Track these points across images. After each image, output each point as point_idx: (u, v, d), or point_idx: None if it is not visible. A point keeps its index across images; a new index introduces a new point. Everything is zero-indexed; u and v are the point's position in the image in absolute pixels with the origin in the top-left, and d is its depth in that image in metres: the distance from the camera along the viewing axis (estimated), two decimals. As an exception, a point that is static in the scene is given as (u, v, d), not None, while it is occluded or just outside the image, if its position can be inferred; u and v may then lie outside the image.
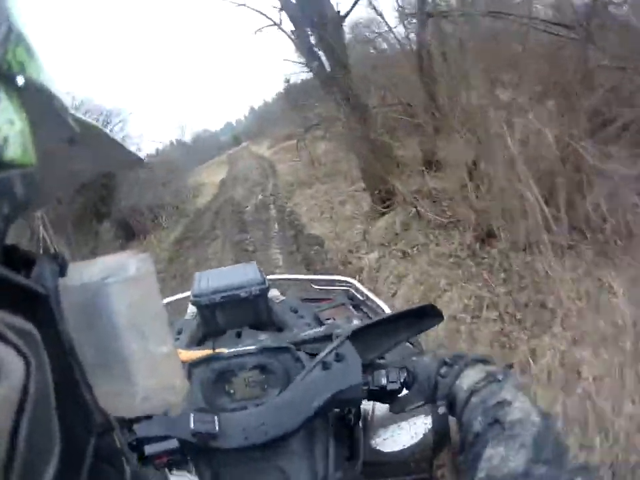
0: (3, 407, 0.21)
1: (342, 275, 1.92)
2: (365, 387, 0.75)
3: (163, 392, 0.31)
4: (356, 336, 0.80)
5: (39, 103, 0.26)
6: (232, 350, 0.95)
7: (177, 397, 0.33)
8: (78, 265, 0.30)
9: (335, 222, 6.78)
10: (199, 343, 1.26)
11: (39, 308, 0.26)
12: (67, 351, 0.27)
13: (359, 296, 1.53)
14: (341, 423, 0.83)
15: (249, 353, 0.91)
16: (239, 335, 1.22)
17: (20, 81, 0.24)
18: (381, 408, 0.87)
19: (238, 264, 1.55)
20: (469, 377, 0.66)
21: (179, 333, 1.30)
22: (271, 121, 36.24)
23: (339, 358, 0.76)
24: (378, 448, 0.84)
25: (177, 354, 0.34)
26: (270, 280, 1.38)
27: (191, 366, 0.90)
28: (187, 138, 40.81)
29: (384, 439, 0.86)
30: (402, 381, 0.75)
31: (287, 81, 41.65)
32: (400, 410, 0.76)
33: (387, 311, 1.34)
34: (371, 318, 1.29)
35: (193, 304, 1.29)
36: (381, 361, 0.82)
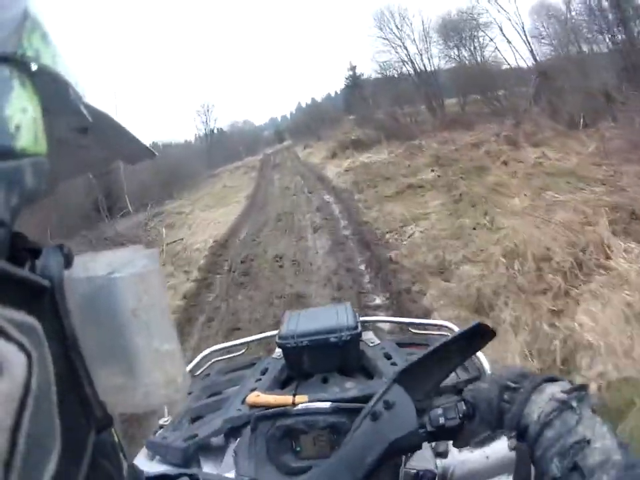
0: (4, 403, 0.20)
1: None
2: (422, 430, 0.69)
3: (165, 388, 0.31)
4: (405, 376, 0.73)
5: (52, 91, 0.26)
6: (302, 406, 0.93)
7: (178, 394, 0.32)
8: (84, 257, 0.30)
9: None
10: (282, 385, 1.20)
11: (43, 301, 0.25)
12: (70, 345, 0.27)
13: None
14: None
15: (321, 412, 0.88)
16: (325, 381, 1.15)
17: (34, 67, 0.24)
18: (462, 467, 0.88)
19: (331, 305, 1.46)
20: (538, 404, 0.61)
21: (263, 373, 1.25)
22: (324, 120, 27.87)
23: (388, 405, 0.69)
24: None
25: (179, 350, 0.33)
26: (366, 321, 1.35)
27: (258, 419, 0.89)
28: (225, 127, 36.36)
29: None
30: (461, 415, 0.68)
31: (353, 68, 30.81)
32: (464, 445, 0.72)
33: (485, 364, 1.23)
34: (467, 369, 1.22)
35: (279, 346, 1.21)
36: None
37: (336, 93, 45.67)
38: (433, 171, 8.01)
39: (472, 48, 19.10)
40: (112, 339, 0.29)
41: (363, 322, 1.27)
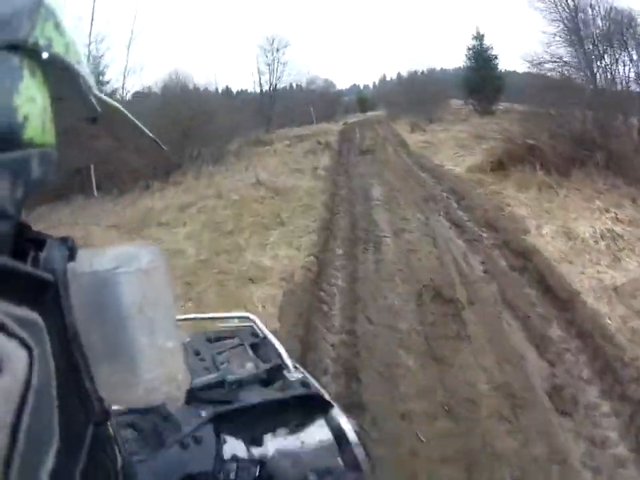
0: (4, 400, 0.20)
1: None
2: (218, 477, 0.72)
3: (166, 385, 0.31)
4: (222, 418, 0.77)
5: (63, 81, 0.26)
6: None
7: (178, 391, 0.32)
8: (88, 251, 0.29)
9: None
10: None
11: (46, 295, 0.25)
12: (72, 340, 0.27)
13: (259, 334, 1.40)
14: None
15: (120, 413, 0.88)
16: None
17: (44, 56, 0.24)
18: (277, 454, 0.86)
19: None
20: None
21: None
22: (425, 96, 20.74)
23: (197, 441, 0.75)
24: None
25: (181, 348, 0.33)
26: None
27: None
28: (303, 82, 28.36)
29: None
30: (254, 478, 0.70)
31: (480, 37, 21.72)
32: None
33: (283, 353, 1.20)
34: (264, 362, 1.19)
35: None
36: (265, 451, 0.78)
37: (435, 69, 38.61)
38: None
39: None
40: (115, 334, 0.28)
41: None
